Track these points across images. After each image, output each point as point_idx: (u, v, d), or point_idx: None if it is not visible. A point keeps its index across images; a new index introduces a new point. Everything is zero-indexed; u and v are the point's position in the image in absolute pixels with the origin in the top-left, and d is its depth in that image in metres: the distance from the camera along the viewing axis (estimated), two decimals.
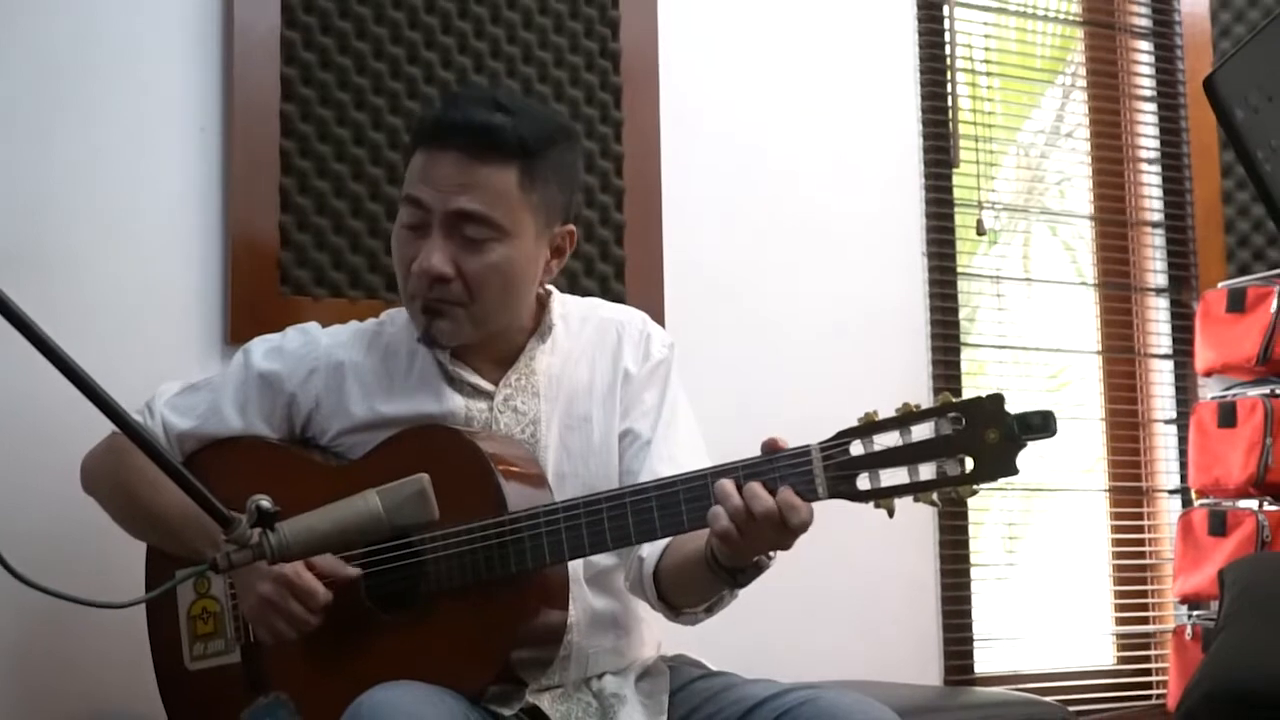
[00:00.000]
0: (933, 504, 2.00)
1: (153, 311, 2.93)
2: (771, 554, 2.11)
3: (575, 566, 2.23)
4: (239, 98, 3.03)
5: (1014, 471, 1.96)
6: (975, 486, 1.98)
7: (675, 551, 2.23)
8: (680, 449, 2.37)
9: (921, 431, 1.99)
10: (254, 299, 3.00)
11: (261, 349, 2.44)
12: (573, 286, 3.27)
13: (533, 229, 2.28)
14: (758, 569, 2.12)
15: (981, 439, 1.96)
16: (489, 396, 2.35)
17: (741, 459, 2.06)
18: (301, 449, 2.40)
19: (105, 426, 2.20)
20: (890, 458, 1.99)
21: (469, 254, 2.24)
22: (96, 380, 1.71)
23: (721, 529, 2.00)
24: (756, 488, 1.99)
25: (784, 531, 2.00)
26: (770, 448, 2.04)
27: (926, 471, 1.99)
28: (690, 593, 2.23)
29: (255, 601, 2.17)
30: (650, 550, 2.27)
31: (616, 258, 3.40)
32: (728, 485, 2.01)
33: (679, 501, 2.07)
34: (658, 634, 2.44)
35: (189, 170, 3.00)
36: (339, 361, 2.39)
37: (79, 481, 2.47)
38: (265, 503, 1.79)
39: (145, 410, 2.40)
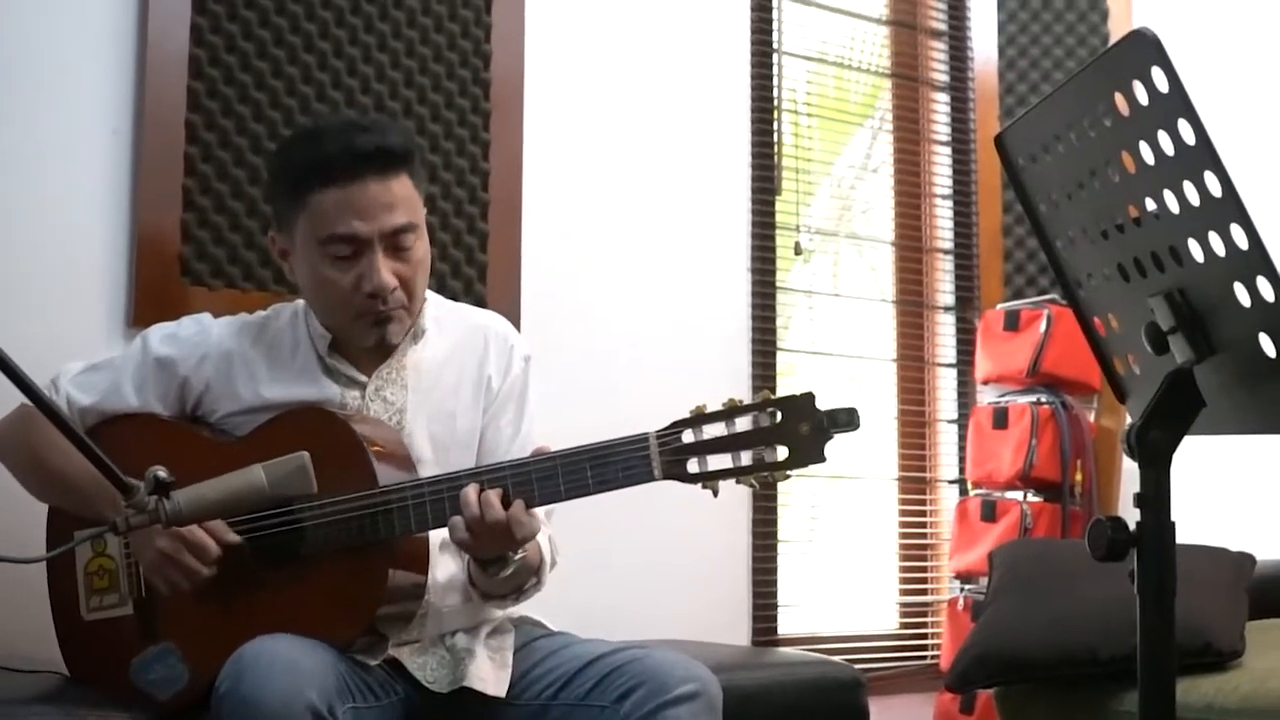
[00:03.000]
0: (751, 486, 2.03)
1: (63, 296, 2.86)
2: (516, 553, 2.16)
3: (434, 536, 2.23)
4: (149, 106, 2.98)
5: (823, 459, 2.00)
6: (789, 472, 2.02)
7: None
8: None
9: (744, 423, 2.03)
10: (156, 288, 2.95)
11: (159, 335, 2.40)
12: (440, 287, 3.25)
13: (424, 216, 2.33)
14: (503, 563, 2.17)
15: (795, 431, 2.00)
16: (361, 386, 2.34)
17: (583, 445, 2.08)
18: (192, 425, 2.36)
19: (13, 399, 2.14)
20: (716, 445, 2.03)
21: (401, 261, 2.27)
22: (9, 356, 1.67)
23: (457, 538, 2.09)
24: (492, 497, 2.05)
25: (511, 540, 2.08)
26: (537, 453, 2.10)
27: (747, 458, 2.02)
28: (489, 583, 2.25)
29: (153, 556, 2.14)
30: None
31: (480, 262, 3.39)
32: (470, 493, 2.06)
33: (531, 480, 2.08)
34: None
35: (102, 169, 2.94)
36: (228, 350, 2.36)
37: None
38: (162, 473, 1.76)
39: (51, 386, 2.34)
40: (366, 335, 2.29)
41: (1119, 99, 1.34)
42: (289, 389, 2.32)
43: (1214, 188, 1.26)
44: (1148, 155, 1.34)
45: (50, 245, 2.86)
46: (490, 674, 2.21)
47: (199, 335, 2.38)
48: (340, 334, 2.34)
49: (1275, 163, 4.14)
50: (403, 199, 2.25)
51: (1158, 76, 1.27)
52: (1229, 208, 1.25)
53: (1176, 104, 1.27)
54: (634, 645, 2.20)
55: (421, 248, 2.30)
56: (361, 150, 2.22)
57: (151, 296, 2.93)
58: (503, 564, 2.16)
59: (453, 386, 2.39)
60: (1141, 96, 1.30)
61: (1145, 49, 1.28)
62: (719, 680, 2.13)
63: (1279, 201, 4.04)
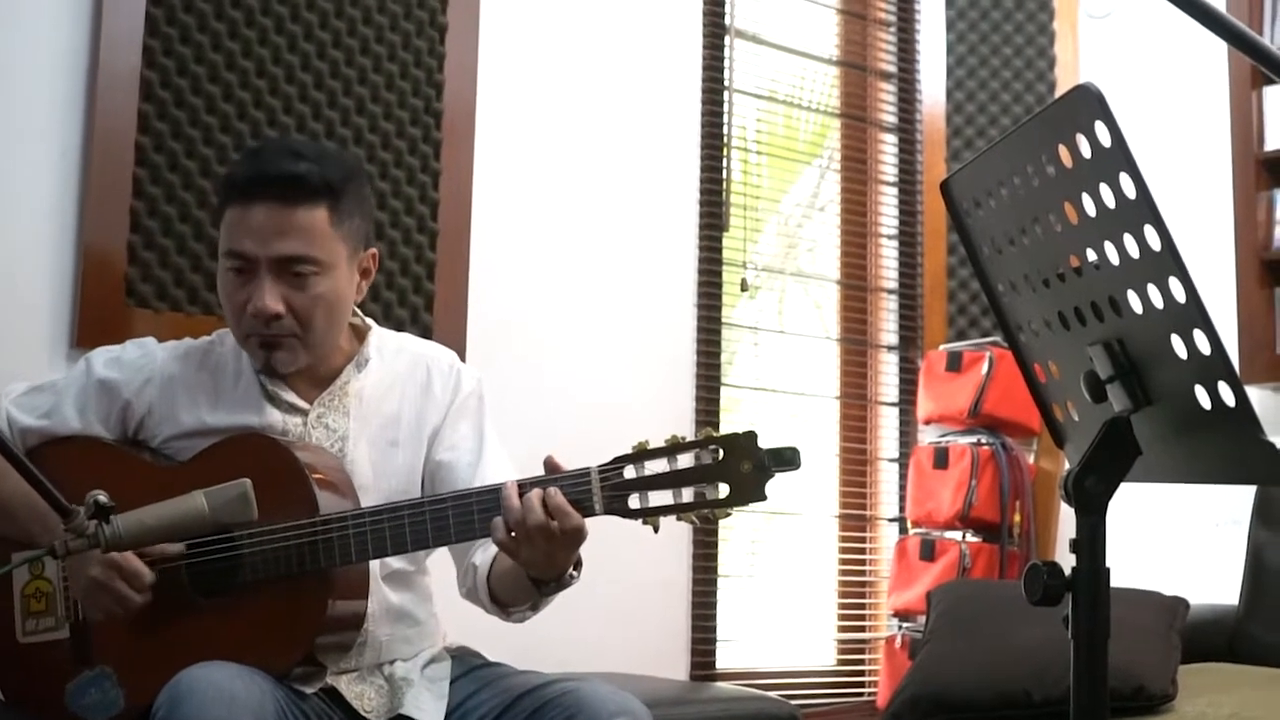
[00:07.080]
0: (692, 523, 2.04)
1: (7, 316, 2.84)
2: (574, 573, 2.15)
3: (373, 565, 2.23)
4: (99, 127, 2.97)
5: (764, 498, 2.01)
6: (729, 509, 2.03)
7: (504, 559, 2.23)
8: (497, 474, 2.35)
9: (686, 460, 2.04)
10: (101, 309, 2.94)
11: (102, 358, 2.38)
12: (386, 316, 3.25)
13: (345, 257, 2.27)
14: (560, 584, 2.16)
15: (737, 469, 2.01)
16: (304, 413, 2.33)
17: (528, 477, 2.08)
18: (134, 450, 2.35)
19: None
20: (658, 481, 2.03)
21: (296, 290, 2.22)
22: None
23: (499, 538, 2.04)
24: (534, 495, 2.02)
25: (555, 540, 2.03)
26: (550, 464, 2.07)
27: (688, 495, 2.03)
28: (516, 596, 2.24)
29: (86, 582, 2.12)
30: (483, 559, 2.28)
31: (427, 291, 3.39)
32: (510, 490, 2.03)
33: (472, 511, 2.08)
34: (443, 627, 2.44)
35: (50, 190, 2.93)
36: (171, 375, 2.35)
37: None
38: (103, 497, 1.76)
39: None
40: (255, 356, 2.29)
41: (1062, 150, 1.36)
42: (231, 415, 2.31)
43: (1153, 241, 1.28)
44: (1089, 207, 1.36)
45: None
46: (428, 703, 2.22)
47: (142, 359, 2.37)
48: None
49: (1215, 217, 4.21)
50: (303, 229, 2.20)
51: (1100, 130, 1.30)
52: (1167, 261, 1.28)
53: (1118, 158, 1.29)
54: (569, 677, 2.20)
55: (325, 284, 2.24)
56: (266, 174, 2.21)
57: (96, 318, 2.92)
58: (559, 585, 2.16)
59: (394, 415, 2.38)
60: (1084, 149, 1.33)
61: (1089, 103, 1.30)
62: (654, 714, 2.13)
63: (1217, 255, 4.13)
